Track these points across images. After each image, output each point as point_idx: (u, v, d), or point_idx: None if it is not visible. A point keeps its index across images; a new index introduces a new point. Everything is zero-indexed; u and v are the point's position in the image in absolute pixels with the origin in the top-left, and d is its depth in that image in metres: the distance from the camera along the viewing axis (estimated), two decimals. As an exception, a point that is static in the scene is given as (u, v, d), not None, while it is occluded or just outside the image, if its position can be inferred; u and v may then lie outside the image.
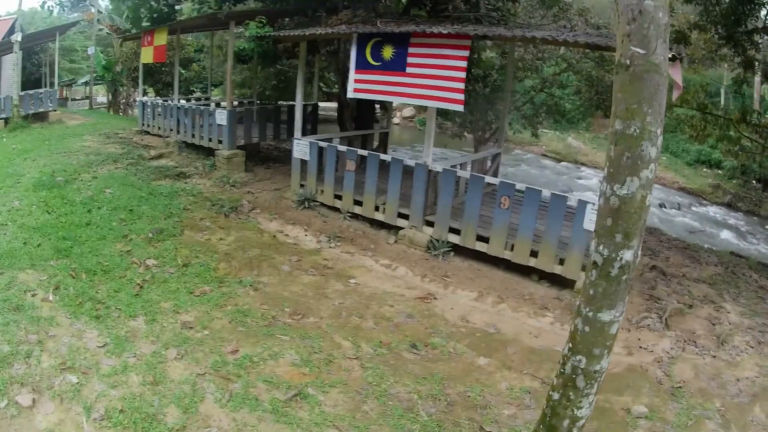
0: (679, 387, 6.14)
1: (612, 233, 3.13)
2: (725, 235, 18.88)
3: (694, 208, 22.14)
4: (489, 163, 11.33)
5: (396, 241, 9.31)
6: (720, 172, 26.63)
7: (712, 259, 11.16)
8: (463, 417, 5.33)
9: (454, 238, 8.79)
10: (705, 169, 26.97)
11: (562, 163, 28.06)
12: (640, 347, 6.89)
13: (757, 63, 13.28)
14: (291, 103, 14.98)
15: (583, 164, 28.31)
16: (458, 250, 8.91)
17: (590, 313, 3.31)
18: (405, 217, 9.28)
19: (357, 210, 9.94)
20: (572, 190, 22.52)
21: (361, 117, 13.91)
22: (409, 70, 8.44)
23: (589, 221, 7.25)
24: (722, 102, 24.84)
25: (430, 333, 6.86)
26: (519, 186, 7.95)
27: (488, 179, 8.44)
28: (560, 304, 7.72)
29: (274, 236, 9.72)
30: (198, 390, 5.26)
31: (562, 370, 3.57)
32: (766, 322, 8.08)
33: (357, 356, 6.19)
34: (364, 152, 9.86)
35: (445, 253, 8.76)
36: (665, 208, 22.17)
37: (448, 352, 6.49)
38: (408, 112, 33.08)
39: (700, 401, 5.91)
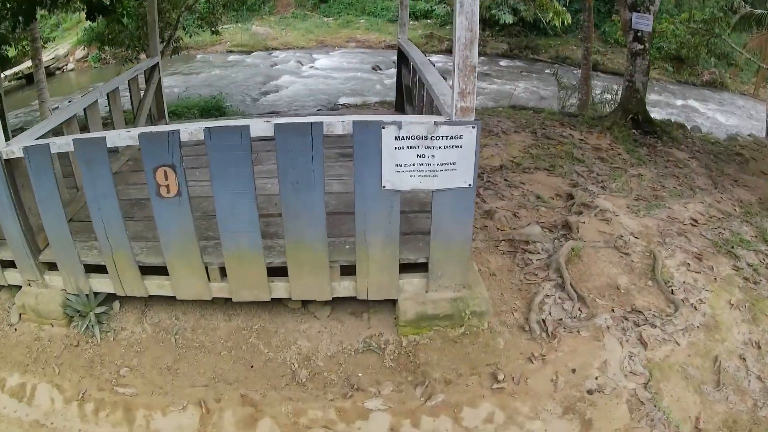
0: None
1: None
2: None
3: (411, 63, 19.12)
4: (144, 87, 5.93)
5: (21, 318, 3.73)
6: (429, 21, 24.32)
7: (503, 123, 7.95)
8: None
9: (103, 284, 3.51)
10: (412, 22, 24.12)
11: (252, 54, 23.60)
12: (589, 394, 3.05)
13: None
14: None
15: (274, 49, 24.12)
16: (125, 301, 3.69)
17: None
18: (12, 264, 3.68)
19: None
20: (272, 80, 18.62)
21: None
22: None
23: (392, 169, 2.97)
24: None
25: None
26: (190, 131, 2.96)
27: (118, 136, 3.11)
28: (383, 366, 3.21)
29: None
30: None
31: None
32: (671, 215, 5.14)
33: None
34: None
35: (102, 319, 3.57)
36: (380, 70, 19.30)
37: None
38: (80, 52, 24.76)
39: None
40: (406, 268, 3.27)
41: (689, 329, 3.54)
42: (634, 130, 7.82)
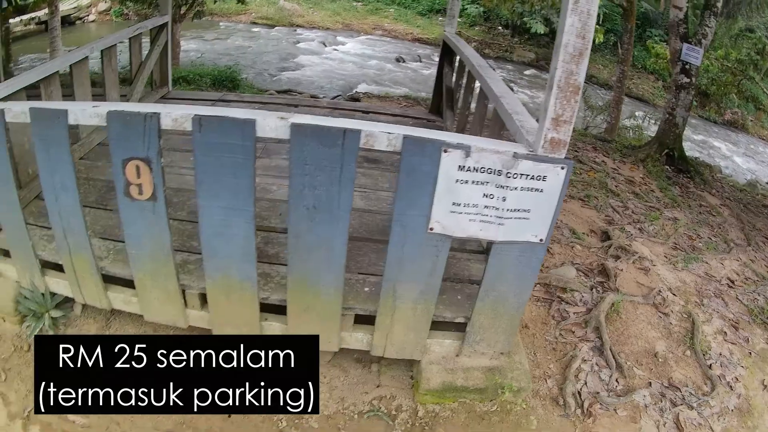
0: None
1: None
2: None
3: (435, 58, 18.50)
4: (147, 52, 4.91)
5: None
6: (459, 20, 22.97)
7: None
8: None
9: (61, 285, 2.82)
10: (440, 18, 23.36)
11: (276, 28, 22.67)
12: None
13: None
14: None
15: (299, 26, 23.23)
16: (88, 306, 2.99)
17: None
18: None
19: None
20: (293, 57, 17.93)
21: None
22: None
23: (446, 208, 2.14)
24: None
25: None
26: (174, 116, 2.05)
27: (82, 112, 2.16)
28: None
29: None
30: None
31: None
32: (708, 271, 4.64)
33: None
34: None
35: (58, 324, 2.95)
36: (403, 62, 18.54)
37: None
38: (103, 5, 23.99)
39: None
40: (437, 324, 2.58)
41: (724, 413, 3.13)
42: (668, 167, 7.36)
